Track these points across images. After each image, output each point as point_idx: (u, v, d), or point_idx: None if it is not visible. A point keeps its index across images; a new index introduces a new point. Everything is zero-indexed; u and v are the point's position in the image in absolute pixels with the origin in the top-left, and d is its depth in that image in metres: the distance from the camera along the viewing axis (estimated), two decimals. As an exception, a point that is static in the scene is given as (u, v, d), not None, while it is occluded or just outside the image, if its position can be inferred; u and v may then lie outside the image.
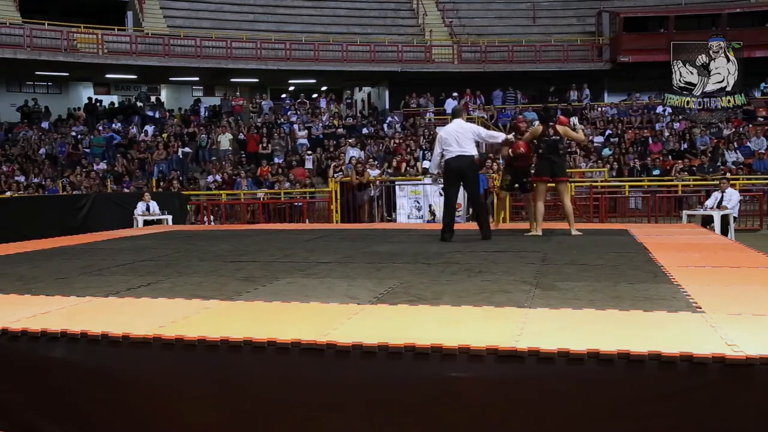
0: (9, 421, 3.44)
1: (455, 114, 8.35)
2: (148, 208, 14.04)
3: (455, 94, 24.31)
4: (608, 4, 27.57)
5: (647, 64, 24.46)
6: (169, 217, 14.10)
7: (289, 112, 24.44)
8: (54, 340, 3.42)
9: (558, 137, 8.18)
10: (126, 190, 18.27)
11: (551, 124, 8.40)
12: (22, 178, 19.07)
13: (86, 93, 28.07)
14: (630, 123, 23.13)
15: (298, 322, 3.55)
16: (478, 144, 8.47)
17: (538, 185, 8.34)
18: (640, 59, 24.74)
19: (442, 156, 7.96)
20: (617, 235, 8.32)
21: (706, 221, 11.82)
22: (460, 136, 7.89)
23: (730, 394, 2.72)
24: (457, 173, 7.91)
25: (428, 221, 13.79)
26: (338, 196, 15.39)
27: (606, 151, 20.26)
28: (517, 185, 8.93)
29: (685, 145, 20.71)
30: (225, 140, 21.75)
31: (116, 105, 26.52)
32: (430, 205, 14.21)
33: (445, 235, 7.82)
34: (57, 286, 4.88)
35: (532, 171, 8.56)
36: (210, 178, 19.38)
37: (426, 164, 7.95)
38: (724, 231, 11.41)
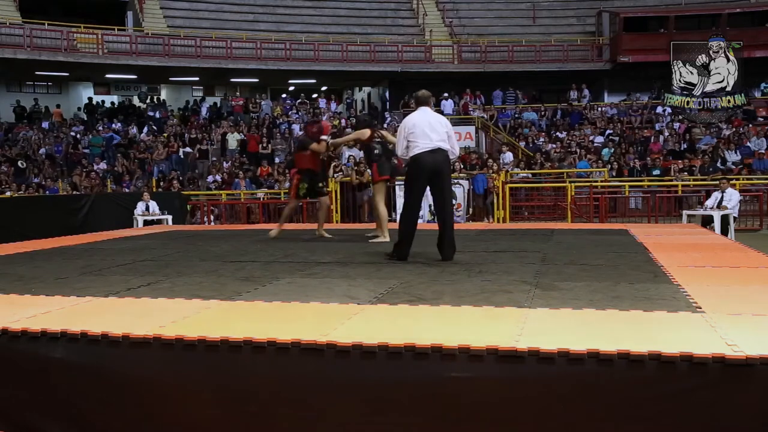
0: (9, 421, 3.44)
1: (422, 101, 6.29)
2: (147, 208, 14.04)
3: (446, 94, 24.21)
4: (608, 4, 27.56)
5: (647, 64, 24.46)
6: (169, 217, 14.11)
7: (290, 112, 24.43)
8: (54, 340, 3.41)
9: (384, 140, 8.29)
10: (126, 190, 18.26)
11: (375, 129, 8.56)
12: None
13: (86, 93, 28.08)
14: (630, 123, 23.13)
15: (298, 322, 3.55)
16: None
17: (381, 185, 8.44)
18: (640, 59, 24.74)
19: (408, 147, 6.06)
20: (617, 235, 8.33)
21: (706, 221, 11.81)
22: (434, 126, 6.04)
23: (730, 394, 2.72)
24: (432, 171, 5.94)
25: (428, 221, 13.77)
26: (338, 196, 15.39)
27: (606, 151, 20.24)
28: (308, 191, 8.75)
29: (685, 145, 20.70)
30: (233, 140, 21.72)
31: (116, 105, 26.49)
32: (429, 205, 14.16)
33: (403, 252, 6.07)
34: (57, 286, 4.88)
35: (338, 174, 8.43)
36: (210, 178, 19.38)
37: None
38: (724, 231, 11.41)
